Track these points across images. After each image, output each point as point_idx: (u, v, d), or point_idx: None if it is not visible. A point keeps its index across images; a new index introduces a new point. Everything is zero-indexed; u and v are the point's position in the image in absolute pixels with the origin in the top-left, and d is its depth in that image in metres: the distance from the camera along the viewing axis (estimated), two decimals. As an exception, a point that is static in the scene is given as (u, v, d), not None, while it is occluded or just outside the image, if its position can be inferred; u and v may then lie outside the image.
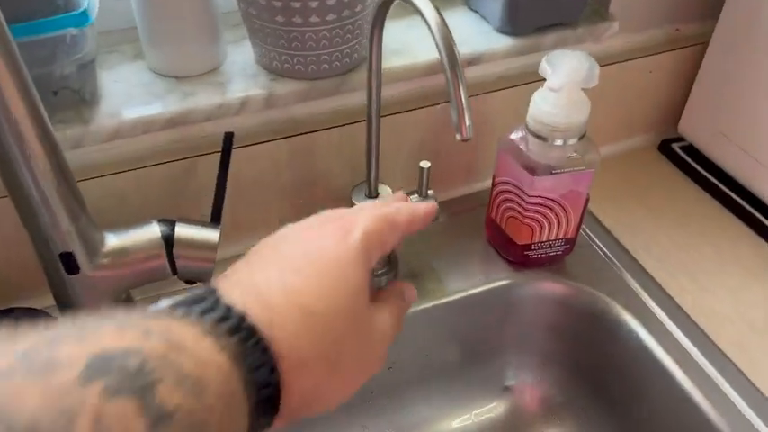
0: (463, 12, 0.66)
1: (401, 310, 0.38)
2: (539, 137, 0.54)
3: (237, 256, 0.33)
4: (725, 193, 0.71)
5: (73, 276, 0.44)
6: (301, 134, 0.59)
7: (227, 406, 0.24)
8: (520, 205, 0.58)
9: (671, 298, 0.60)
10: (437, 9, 0.38)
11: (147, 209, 0.56)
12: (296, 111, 0.59)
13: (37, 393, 0.18)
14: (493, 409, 0.68)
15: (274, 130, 0.58)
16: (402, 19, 0.65)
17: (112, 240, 0.46)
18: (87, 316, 0.22)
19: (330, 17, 0.52)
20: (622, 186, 0.72)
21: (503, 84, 0.65)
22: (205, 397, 0.22)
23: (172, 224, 0.48)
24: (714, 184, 0.72)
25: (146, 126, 0.53)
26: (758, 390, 0.53)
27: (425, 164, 0.54)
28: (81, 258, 0.43)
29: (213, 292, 0.28)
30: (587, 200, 0.59)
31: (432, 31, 0.37)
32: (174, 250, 0.47)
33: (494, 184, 0.61)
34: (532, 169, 0.55)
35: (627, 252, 0.65)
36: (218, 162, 0.52)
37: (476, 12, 0.65)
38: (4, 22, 0.34)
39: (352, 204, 0.56)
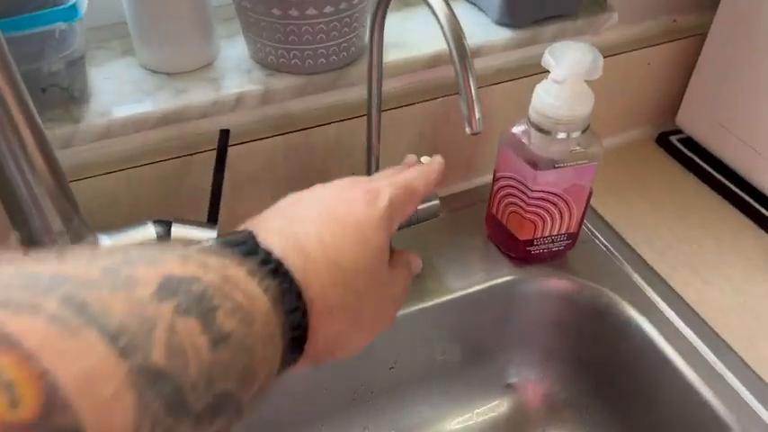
0: (461, 3, 0.65)
1: (407, 279, 0.40)
2: (541, 130, 0.53)
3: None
4: (724, 184, 0.71)
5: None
6: (298, 130, 0.57)
7: (269, 338, 0.27)
8: (522, 200, 0.57)
9: (675, 292, 0.59)
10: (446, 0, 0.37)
11: (141, 210, 0.54)
12: (292, 106, 0.57)
13: (122, 303, 0.20)
14: (495, 407, 0.67)
15: (271, 127, 0.57)
16: (398, 11, 0.63)
17: (106, 242, 0.44)
18: (152, 246, 0.25)
19: (328, 9, 0.50)
20: (622, 180, 0.72)
21: (501, 77, 0.64)
22: (253, 327, 0.25)
23: (168, 225, 0.46)
24: (713, 175, 0.72)
25: (138, 124, 0.52)
26: (766, 384, 0.53)
27: (426, 159, 0.53)
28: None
29: (252, 236, 0.30)
30: (590, 194, 0.58)
31: (440, 23, 0.36)
32: (171, 252, 0.45)
33: (495, 179, 0.60)
34: (535, 163, 0.54)
35: (628, 246, 0.64)
36: (214, 160, 0.50)
37: (473, 4, 0.64)
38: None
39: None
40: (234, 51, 0.57)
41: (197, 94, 0.53)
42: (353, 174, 0.59)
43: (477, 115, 0.36)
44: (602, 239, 0.64)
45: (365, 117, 0.53)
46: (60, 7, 0.44)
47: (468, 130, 0.37)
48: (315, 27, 0.51)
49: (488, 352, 0.66)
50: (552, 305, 0.62)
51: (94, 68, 0.55)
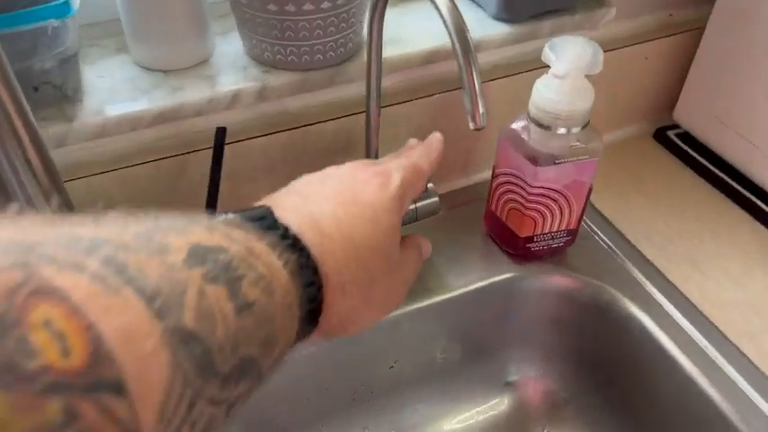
0: (457, -1, 0.64)
1: (417, 262, 0.41)
2: (541, 125, 0.52)
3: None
4: (721, 178, 0.71)
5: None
6: (295, 128, 0.57)
7: (288, 309, 0.28)
8: (522, 197, 0.56)
9: (675, 287, 0.59)
10: (447, -8, 0.36)
11: (136, 210, 0.53)
12: (289, 103, 0.56)
13: (156, 266, 0.21)
14: (496, 405, 0.66)
15: (268, 124, 0.56)
16: (394, 7, 0.63)
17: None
18: (179, 216, 0.25)
19: (325, 5, 0.49)
20: (620, 175, 0.71)
21: (498, 73, 0.64)
22: (274, 297, 0.26)
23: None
24: (711, 170, 0.72)
25: (133, 123, 0.51)
26: (767, 377, 0.52)
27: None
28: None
29: (270, 212, 0.31)
30: (590, 190, 0.57)
31: (442, 16, 0.35)
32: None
33: (494, 176, 0.59)
34: (535, 159, 0.54)
35: (628, 242, 0.63)
36: (210, 159, 0.50)
37: (470, -1, 0.64)
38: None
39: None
40: (229, 48, 0.56)
41: (192, 92, 0.52)
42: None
43: (482, 110, 0.36)
44: (601, 236, 0.64)
45: (363, 114, 0.52)
46: (53, 4, 0.43)
47: (471, 125, 0.36)
48: (312, 23, 0.50)
49: (489, 350, 0.65)
50: (552, 302, 0.62)
51: (88, 66, 0.54)
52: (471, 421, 0.65)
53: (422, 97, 0.61)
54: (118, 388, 0.18)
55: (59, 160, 0.45)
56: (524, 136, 0.54)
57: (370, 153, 0.53)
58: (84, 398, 0.17)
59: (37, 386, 0.16)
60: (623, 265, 0.61)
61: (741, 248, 0.64)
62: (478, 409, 0.66)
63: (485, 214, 0.63)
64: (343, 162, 0.60)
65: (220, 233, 0.26)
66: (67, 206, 0.41)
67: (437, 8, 0.35)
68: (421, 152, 0.42)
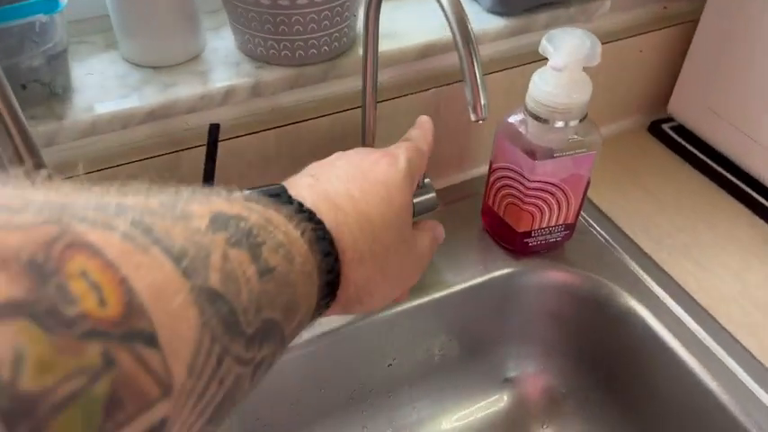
0: (450, -7, 0.64)
1: (432, 243, 0.42)
2: (539, 119, 0.52)
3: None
4: (717, 171, 0.70)
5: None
6: (289, 124, 0.56)
7: (308, 276, 0.28)
8: (519, 191, 0.56)
9: (674, 281, 0.59)
10: (446, -18, 0.36)
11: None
12: (283, 99, 0.56)
13: (181, 231, 0.22)
14: (495, 402, 0.66)
15: (261, 121, 0.55)
16: (388, 1, 0.62)
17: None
18: (198, 189, 0.25)
19: (319, -2, 0.49)
20: (615, 169, 0.71)
21: (493, 66, 0.63)
22: (294, 265, 0.27)
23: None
24: (706, 162, 0.71)
25: (124, 120, 0.50)
26: (767, 369, 0.52)
27: None
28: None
29: (285, 189, 0.32)
30: (588, 183, 0.57)
31: (443, 7, 0.34)
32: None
33: (491, 171, 0.59)
34: (533, 153, 0.53)
35: (626, 236, 0.63)
36: (203, 156, 0.49)
37: (464, -8, 0.63)
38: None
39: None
40: (221, 43, 0.55)
41: (184, 89, 0.51)
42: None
43: (483, 101, 0.35)
44: (599, 230, 0.64)
45: (358, 109, 0.51)
46: (40, -1, 0.42)
47: (472, 116, 0.36)
48: (306, 17, 0.50)
49: (487, 346, 0.65)
50: (551, 297, 0.62)
51: (77, 63, 0.53)
52: (471, 418, 0.65)
53: (417, 92, 0.60)
54: (151, 339, 0.18)
55: (49, 160, 0.44)
56: (522, 130, 0.54)
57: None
58: (121, 346, 0.17)
59: (77, 331, 0.16)
60: (621, 259, 0.61)
61: (738, 240, 0.64)
62: (478, 405, 0.66)
63: (482, 209, 0.63)
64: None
65: (240, 204, 0.26)
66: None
67: (437, -1, 0.35)
68: (417, 134, 0.43)
